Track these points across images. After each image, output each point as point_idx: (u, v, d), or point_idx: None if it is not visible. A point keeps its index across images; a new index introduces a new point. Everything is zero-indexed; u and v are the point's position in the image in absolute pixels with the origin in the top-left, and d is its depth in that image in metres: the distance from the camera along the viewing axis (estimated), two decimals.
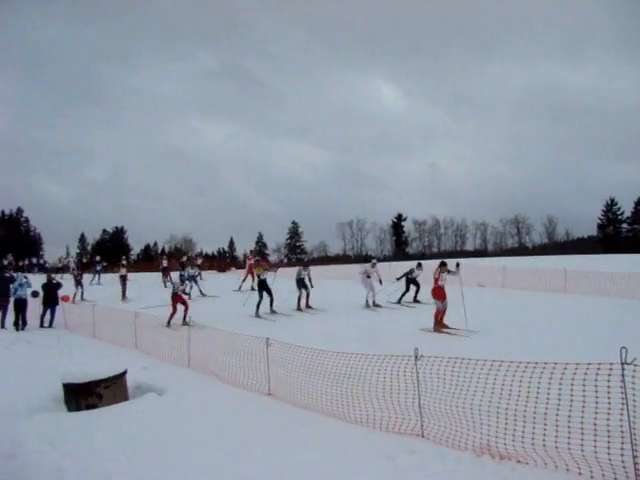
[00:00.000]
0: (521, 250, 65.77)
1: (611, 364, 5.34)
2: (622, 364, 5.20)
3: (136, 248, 73.55)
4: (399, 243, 72.36)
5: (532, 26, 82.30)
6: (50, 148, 79.94)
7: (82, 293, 23.40)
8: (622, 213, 65.46)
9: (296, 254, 71.15)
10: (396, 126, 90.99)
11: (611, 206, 65.58)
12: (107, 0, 78.25)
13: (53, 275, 19.83)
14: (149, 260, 61.55)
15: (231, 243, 74.44)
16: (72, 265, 34.63)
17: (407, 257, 64.19)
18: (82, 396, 8.42)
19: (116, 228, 72.32)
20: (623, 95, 76.13)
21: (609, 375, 5.37)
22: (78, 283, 23.52)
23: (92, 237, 72.34)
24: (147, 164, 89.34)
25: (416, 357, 6.79)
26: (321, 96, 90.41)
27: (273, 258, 71.31)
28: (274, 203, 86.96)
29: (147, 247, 73.25)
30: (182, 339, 11.49)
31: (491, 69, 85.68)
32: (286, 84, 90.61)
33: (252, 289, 22.33)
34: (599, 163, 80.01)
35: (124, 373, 8.95)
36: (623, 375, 5.20)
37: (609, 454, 5.17)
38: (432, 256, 64.31)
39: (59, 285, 17.99)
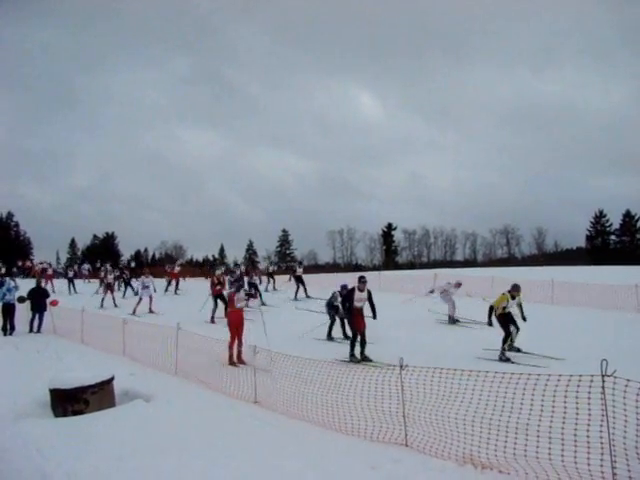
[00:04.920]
0: (510, 261, 66.01)
1: (592, 376, 5.42)
2: (602, 376, 5.28)
3: (126, 254, 73.24)
4: (389, 252, 72.40)
5: (509, 37, 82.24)
6: (34, 154, 79.48)
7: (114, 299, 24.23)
8: (610, 225, 65.76)
9: (286, 262, 71.13)
10: (376, 135, 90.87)
11: (600, 218, 65.86)
12: (80, 7, 77.17)
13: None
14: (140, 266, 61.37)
15: (221, 250, 74.39)
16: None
17: (397, 266, 64.28)
18: (69, 402, 8.38)
19: (106, 234, 72.07)
20: (600, 105, 76.09)
21: (590, 387, 5.46)
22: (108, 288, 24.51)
23: (82, 242, 72.16)
24: (131, 170, 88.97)
25: (401, 367, 6.85)
26: (300, 104, 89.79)
27: (263, 266, 71.34)
28: (262, 211, 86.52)
29: (137, 253, 72.95)
30: (170, 346, 11.47)
31: (470, 79, 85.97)
32: (263, 91, 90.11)
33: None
34: (587, 175, 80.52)
35: (111, 379, 8.92)
36: (603, 387, 5.27)
37: (589, 464, 5.24)
38: (422, 266, 64.45)
39: (46, 293, 17.89)
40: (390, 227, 72.78)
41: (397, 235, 73.76)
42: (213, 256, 73.57)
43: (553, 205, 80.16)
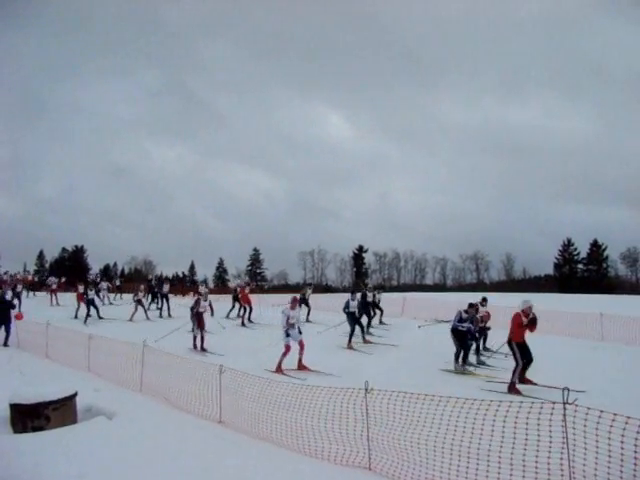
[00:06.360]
0: (479, 286, 66.52)
1: (553, 404, 5.50)
2: (564, 404, 5.37)
3: (95, 268, 72.23)
4: (359, 275, 72.47)
5: (479, 61, 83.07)
6: None
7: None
8: (578, 254, 66.72)
9: (257, 281, 70.85)
10: (346, 156, 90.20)
11: (568, 246, 66.76)
12: (48, 15, 76.51)
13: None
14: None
15: (192, 267, 73.79)
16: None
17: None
18: (29, 417, 8.22)
19: (76, 247, 71.12)
20: (568, 134, 77.16)
21: (551, 414, 5.53)
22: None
23: (50, 255, 71.04)
24: (100, 183, 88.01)
25: (366, 390, 6.86)
26: (270, 121, 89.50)
27: (234, 284, 70.87)
28: (233, 228, 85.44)
29: (107, 267, 72.03)
30: (136, 363, 11.34)
31: (439, 103, 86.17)
32: (232, 106, 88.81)
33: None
34: (556, 203, 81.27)
35: (74, 395, 8.79)
36: (565, 415, 5.36)
37: None
38: (392, 289, 64.56)
39: (11, 305, 17.51)
40: (361, 249, 72.95)
41: (368, 257, 73.99)
42: (183, 272, 72.93)
43: (522, 232, 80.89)
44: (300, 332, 13.29)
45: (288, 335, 13.09)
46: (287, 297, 15.93)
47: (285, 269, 74.63)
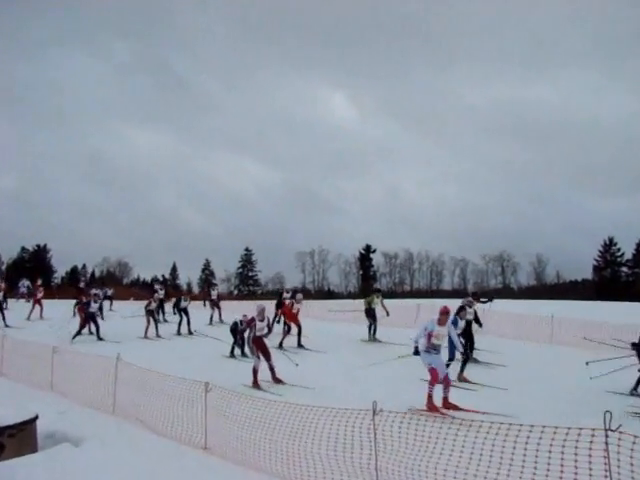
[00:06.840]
0: (505, 292, 66.21)
1: (593, 430, 5.39)
2: (606, 430, 5.25)
3: (61, 270, 72.16)
4: (367, 278, 71.95)
5: (499, 39, 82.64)
6: None
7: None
8: (622, 255, 66.20)
9: (248, 285, 70.69)
10: (351, 142, 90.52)
11: (609, 247, 66.28)
12: None
13: None
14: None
15: (174, 269, 73.67)
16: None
17: None
18: None
19: (37, 246, 71.01)
20: (606, 115, 76.34)
21: (591, 442, 5.42)
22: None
23: (7, 255, 70.91)
24: (68, 173, 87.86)
25: (374, 412, 6.79)
26: (263, 104, 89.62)
27: (222, 288, 70.83)
28: (221, 225, 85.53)
29: (74, 269, 71.96)
30: (108, 380, 11.24)
31: (456, 84, 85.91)
32: (220, 87, 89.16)
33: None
34: (595, 197, 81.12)
35: (34, 419, 8.71)
36: (607, 443, 5.24)
37: None
38: (404, 295, 64.11)
39: None
40: (368, 249, 72.58)
41: (376, 259, 73.75)
42: (163, 275, 72.78)
43: (555, 230, 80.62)
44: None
45: (418, 354, 10.89)
46: None
47: (281, 272, 74.40)
